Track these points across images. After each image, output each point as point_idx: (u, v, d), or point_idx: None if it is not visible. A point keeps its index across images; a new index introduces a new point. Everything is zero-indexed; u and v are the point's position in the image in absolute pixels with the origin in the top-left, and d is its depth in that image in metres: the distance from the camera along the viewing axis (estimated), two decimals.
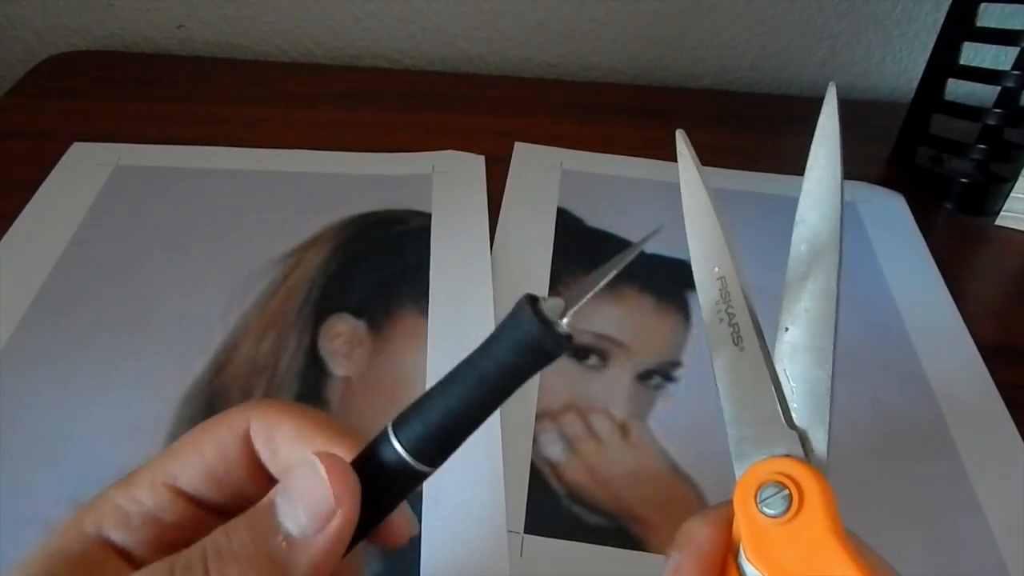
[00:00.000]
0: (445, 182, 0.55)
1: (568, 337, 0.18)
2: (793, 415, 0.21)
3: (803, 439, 0.21)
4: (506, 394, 0.19)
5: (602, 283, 0.19)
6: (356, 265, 0.48)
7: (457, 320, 0.45)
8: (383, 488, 0.20)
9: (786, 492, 0.20)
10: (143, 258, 0.48)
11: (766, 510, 0.20)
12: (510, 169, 0.57)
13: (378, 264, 0.48)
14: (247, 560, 0.18)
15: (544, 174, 0.57)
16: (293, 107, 0.64)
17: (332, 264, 0.48)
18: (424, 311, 0.45)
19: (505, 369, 0.19)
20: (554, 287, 0.48)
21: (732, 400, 0.22)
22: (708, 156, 0.66)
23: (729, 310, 0.22)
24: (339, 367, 0.42)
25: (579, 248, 0.51)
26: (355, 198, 0.53)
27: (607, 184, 0.57)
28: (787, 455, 0.21)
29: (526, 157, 0.58)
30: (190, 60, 0.72)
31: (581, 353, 0.44)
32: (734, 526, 0.21)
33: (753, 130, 0.64)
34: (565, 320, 0.18)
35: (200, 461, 0.21)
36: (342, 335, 0.44)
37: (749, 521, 0.20)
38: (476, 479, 0.37)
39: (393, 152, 0.58)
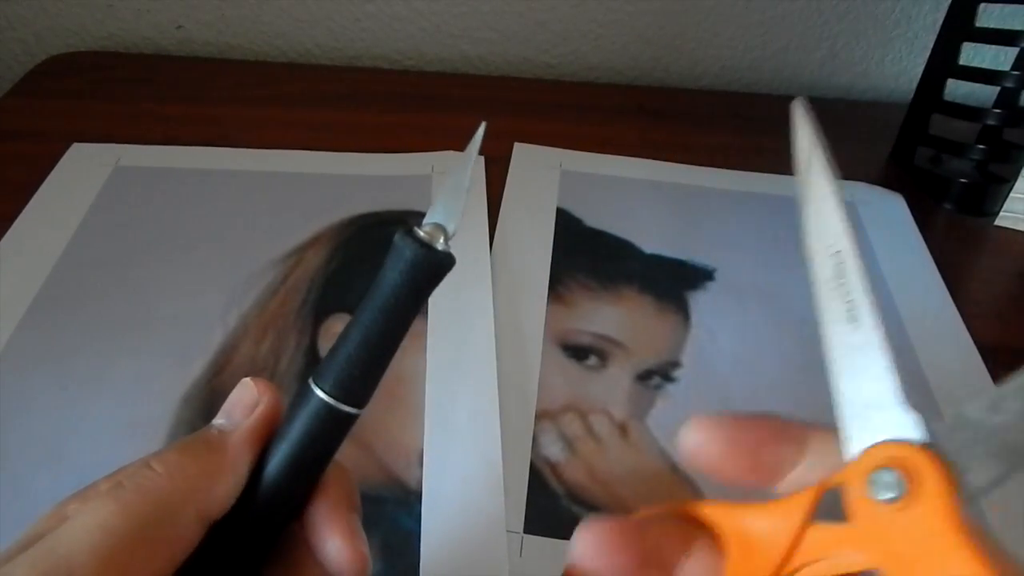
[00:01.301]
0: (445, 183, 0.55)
1: (448, 255, 0.20)
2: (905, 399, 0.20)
3: (919, 423, 0.20)
4: (407, 318, 0.20)
5: (459, 199, 0.21)
6: (356, 265, 0.48)
7: (456, 320, 0.45)
8: (317, 439, 0.21)
9: (901, 477, 0.19)
10: (143, 258, 0.48)
11: (880, 495, 0.19)
12: (509, 170, 0.57)
13: (377, 264, 0.48)
14: (183, 446, 0.21)
15: (543, 174, 0.57)
16: (293, 107, 0.64)
17: (332, 264, 0.48)
18: (423, 311, 0.45)
19: (400, 295, 0.20)
20: (554, 287, 0.48)
21: (845, 380, 0.21)
22: (708, 156, 0.66)
23: (844, 287, 0.21)
24: None
25: (578, 248, 0.51)
26: (355, 198, 0.53)
27: (606, 184, 0.57)
28: (903, 440, 0.19)
29: (525, 158, 0.58)
30: (189, 60, 0.72)
31: (580, 353, 0.44)
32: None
33: (753, 130, 0.64)
34: (441, 242, 0.20)
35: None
36: None
37: (860, 507, 0.19)
38: (475, 479, 0.37)
39: (393, 152, 0.58)
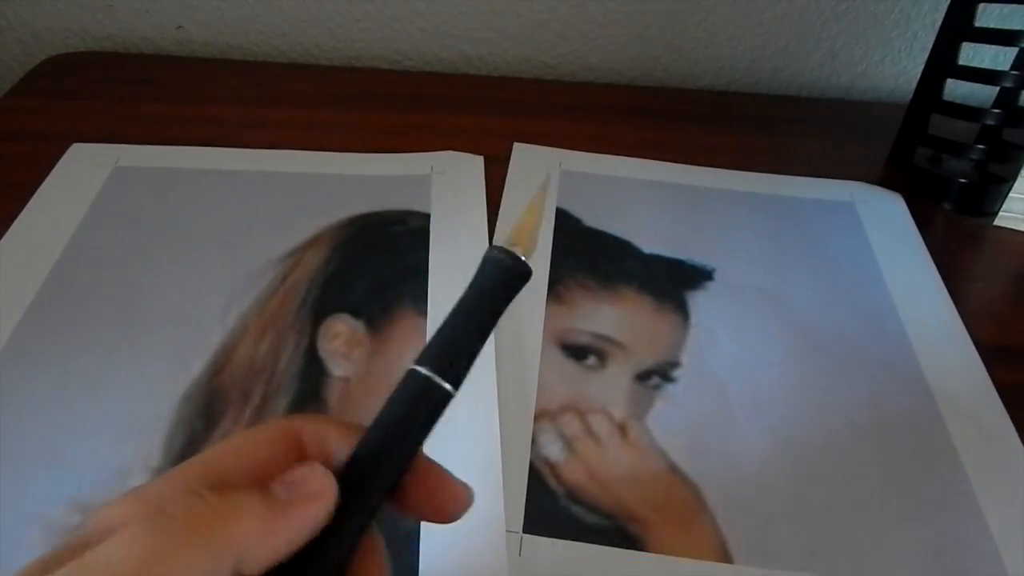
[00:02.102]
0: (444, 182, 0.55)
1: (529, 266, 0.24)
2: None
3: None
4: (497, 314, 0.24)
5: (536, 220, 0.24)
6: (355, 265, 0.48)
7: None
8: (416, 416, 0.24)
9: None
10: (142, 258, 0.48)
11: None
12: (509, 170, 0.57)
13: (377, 264, 0.48)
14: (241, 493, 0.20)
15: (543, 174, 0.57)
16: (292, 107, 0.64)
17: (331, 264, 0.48)
18: (423, 311, 0.45)
19: (492, 294, 0.24)
20: (553, 287, 0.48)
21: None
22: (707, 156, 0.66)
23: None
24: (338, 367, 0.42)
25: (578, 248, 0.51)
26: (354, 198, 0.53)
27: (606, 184, 0.57)
28: None
29: (525, 157, 0.58)
30: (189, 61, 0.72)
31: (580, 353, 0.44)
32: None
33: (752, 130, 0.64)
34: (522, 255, 0.24)
35: (253, 461, 0.22)
36: (341, 335, 0.44)
37: None
38: (475, 479, 0.37)
39: (392, 152, 0.58)
